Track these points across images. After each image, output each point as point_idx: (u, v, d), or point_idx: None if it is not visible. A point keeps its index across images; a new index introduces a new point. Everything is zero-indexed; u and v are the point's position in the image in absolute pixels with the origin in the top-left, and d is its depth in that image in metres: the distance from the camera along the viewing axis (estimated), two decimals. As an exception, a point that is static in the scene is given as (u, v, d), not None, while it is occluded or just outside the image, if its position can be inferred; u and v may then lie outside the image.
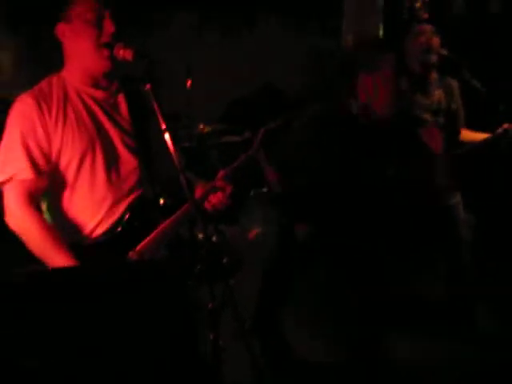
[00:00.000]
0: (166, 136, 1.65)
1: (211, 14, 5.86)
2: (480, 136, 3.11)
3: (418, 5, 5.22)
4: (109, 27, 1.82)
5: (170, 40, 5.53)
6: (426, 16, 5.17)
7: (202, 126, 4.02)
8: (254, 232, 3.81)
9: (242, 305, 2.99)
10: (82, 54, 1.85)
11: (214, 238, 3.17)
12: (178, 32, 5.68)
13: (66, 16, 1.85)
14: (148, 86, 1.69)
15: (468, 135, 3.14)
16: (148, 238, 1.85)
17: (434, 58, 2.73)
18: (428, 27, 2.76)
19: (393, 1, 5.27)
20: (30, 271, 1.52)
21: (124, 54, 1.78)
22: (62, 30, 1.87)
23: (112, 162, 1.89)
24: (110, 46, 1.82)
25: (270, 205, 3.79)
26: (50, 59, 2.02)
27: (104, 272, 1.28)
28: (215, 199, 1.94)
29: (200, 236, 2.81)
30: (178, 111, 4.56)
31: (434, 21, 4.84)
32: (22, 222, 1.77)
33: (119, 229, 1.86)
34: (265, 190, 3.92)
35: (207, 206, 1.96)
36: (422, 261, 3.02)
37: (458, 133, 3.03)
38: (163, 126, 1.65)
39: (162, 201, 2.10)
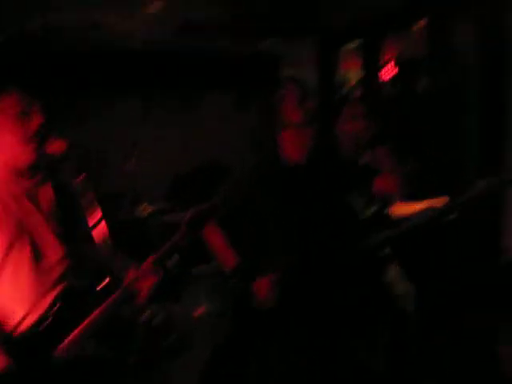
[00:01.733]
0: (101, 227, 1.65)
1: (155, 93, 5.99)
2: (412, 208, 3.13)
3: (352, 84, 5.50)
4: (36, 119, 1.82)
5: (116, 120, 5.59)
6: (359, 93, 5.44)
7: (144, 207, 4.03)
8: (200, 310, 3.77)
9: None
10: (5, 148, 1.84)
11: (157, 319, 3.12)
12: (124, 112, 5.76)
13: None
14: (83, 176, 1.69)
15: (403, 209, 3.18)
16: (77, 331, 1.80)
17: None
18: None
19: (328, 79, 5.54)
20: None
21: (57, 146, 1.79)
22: None
23: (39, 253, 1.86)
24: (38, 138, 1.81)
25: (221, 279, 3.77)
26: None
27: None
28: (145, 285, 1.91)
29: (142, 318, 2.76)
30: (123, 189, 4.57)
31: (366, 97, 5.12)
32: None
33: (47, 321, 1.81)
34: (204, 267, 3.91)
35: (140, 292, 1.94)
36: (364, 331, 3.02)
37: None
38: (99, 215, 1.66)
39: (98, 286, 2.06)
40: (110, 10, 4.31)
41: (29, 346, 1.77)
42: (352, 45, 5.42)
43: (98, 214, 1.71)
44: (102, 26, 4.67)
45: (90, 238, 1.98)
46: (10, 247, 1.80)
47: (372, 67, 5.10)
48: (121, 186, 4.61)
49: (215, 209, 2.11)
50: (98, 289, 1.96)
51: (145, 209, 4.03)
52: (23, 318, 1.80)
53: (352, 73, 5.49)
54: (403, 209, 3.13)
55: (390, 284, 3.10)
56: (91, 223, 1.93)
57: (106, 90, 5.66)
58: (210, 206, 2.13)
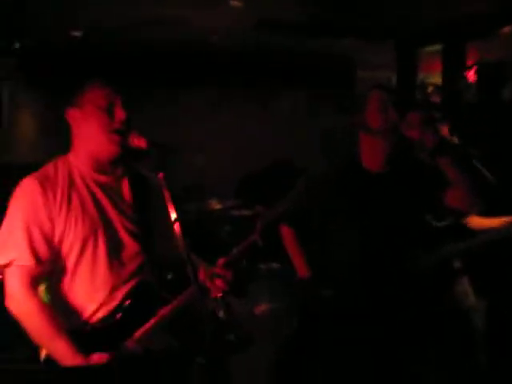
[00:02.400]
0: (176, 226, 1.66)
1: (228, 91, 6.03)
2: (489, 222, 3.04)
3: (430, 89, 5.35)
4: (120, 114, 1.84)
5: (187, 114, 5.67)
6: (437, 99, 5.28)
7: (213, 203, 4.06)
8: (262, 308, 3.77)
9: (250, 380, 2.94)
10: (91, 138, 1.87)
11: (220, 313, 3.15)
12: (196, 107, 5.84)
13: (77, 101, 1.88)
14: (161, 176, 1.70)
15: (478, 222, 3.09)
16: (147, 325, 1.82)
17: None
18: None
19: (405, 82, 5.41)
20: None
21: (138, 142, 1.81)
22: (73, 115, 1.88)
23: (113, 248, 1.86)
24: (121, 132, 1.84)
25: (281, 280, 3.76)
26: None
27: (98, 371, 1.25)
28: (214, 286, 1.91)
29: (206, 311, 2.79)
30: (188, 185, 4.62)
31: (445, 107, 4.96)
32: (23, 308, 1.74)
33: (119, 315, 1.84)
34: (275, 265, 3.91)
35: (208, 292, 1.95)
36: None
37: None
38: (174, 216, 1.66)
39: (169, 276, 2.08)
40: (192, 5, 4.36)
41: (100, 339, 1.80)
42: (433, 48, 5.27)
43: (174, 212, 1.71)
44: (184, 21, 4.73)
45: (165, 234, 2.01)
46: (86, 240, 1.82)
47: (453, 72, 4.94)
48: (189, 179, 4.68)
49: (288, 214, 2.10)
50: (170, 285, 1.99)
51: (214, 204, 4.06)
52: (96, 311, 1.83)
53: (431, 77, 5.35)
54: (479, 222, 3.03)
55: (459, 297, 3.01)
56: (166, 220, 1.96)
57: (181, 84, 5.76)
58: (283, 212, 2.12)
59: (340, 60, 5.97)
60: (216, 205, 4.03)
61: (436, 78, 5.37)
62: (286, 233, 2.54)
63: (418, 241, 2.52)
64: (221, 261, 1.93)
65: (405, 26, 5.05)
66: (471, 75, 4.83)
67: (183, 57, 5.78)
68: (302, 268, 2.53)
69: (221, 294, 1.94)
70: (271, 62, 5.99)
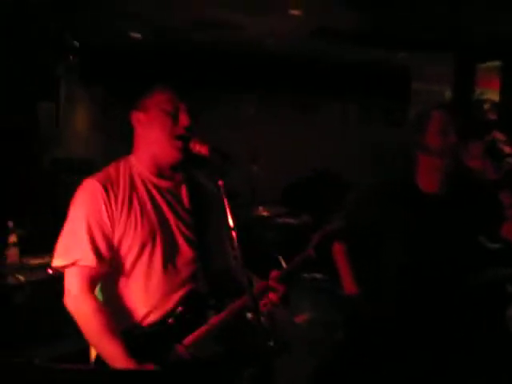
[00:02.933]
0: (234, 234, 1.65)
1: (280, 97, 6.02)
2: None
3: (487, 106, 5.22)
4: (184, 120, 1.85)
5: (236, 120, 5.69)
6: (494, 117, 5.16)
7: (261, 209, 4.07)
8: (302, 317, 3.74)
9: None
10: (154, 142, 1.88)
11: (262, 319, 3.14)
12: (245, 113, 5.85)
13: (143, 104, 1.89)
14: (221, 183, 1.71)
15: None
16: (197, 332, 1.82)
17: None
18: None
19: (461, 97, 5.30)
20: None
21: (200, 149, 1.81)
22: (138, 118, 1.90)
23: (170, 253, 1.87)
24: (184, 138, 1.84)
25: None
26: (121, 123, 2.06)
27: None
28: (267, 299, 1.90)
29: (250, 319, 2.79)
30: (236, 189, 4.62)
31: (502, 123, 4.84)
32: (81, 307, 1.77)
33: (170, 320, 1.84)
34: (318, 275, 3.88)
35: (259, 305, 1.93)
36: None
37: None
38: (232, 224, 1.65)
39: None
40: (250, 10, 4.38)
41: (150, 343, 1.81)
42: (492, 64, 5.15)
43: (230, 222, 1.71)
44: (241, 26, 4.75)
45: (219, 244, 2.00)
46: (144, 244, 1.84)
47: (511, 89, 4.81)
48: (238, 186, 4.69)
49: (342, 230, 2.08)
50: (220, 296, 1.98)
51: (262, 210, 4.06)
52: (147, 315, 1.84)
53: (489, 93, 5.22)
54: None
55: (510, 321, 2.92)
56: (222, 229, 1.95)
57: (234, 89, 5.78)
58: (338, 229, 2.10)
59: (395, 71, 5.90)
60: (263, 212, 4.03)
61: (493, 95, 5.25)
62: (338, 249, 2.53)
63: (470, 264, 2.47)
64: (274, 273, 1.92)
65: (465, 39, 4.95)
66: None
67: (237, 60, 5.80)
68: (351, 284, 2.51)
69: (271, 307, 1.92)
70: (326, 70, 5.96)
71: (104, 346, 1.75)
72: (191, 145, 1.83)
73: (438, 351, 2.35)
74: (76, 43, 5.30)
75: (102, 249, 1.80)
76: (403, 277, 2.38)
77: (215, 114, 5.63)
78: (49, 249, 1.91)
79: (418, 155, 2.36)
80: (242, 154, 4.70)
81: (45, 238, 1.97)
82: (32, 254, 3.25)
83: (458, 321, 2.45)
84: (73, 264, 1.79)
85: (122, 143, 2.13)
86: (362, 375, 2.46)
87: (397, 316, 2.36)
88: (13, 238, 3.15)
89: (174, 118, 1.87)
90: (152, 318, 1.84)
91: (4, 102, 4.34)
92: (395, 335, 2.36)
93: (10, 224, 3.16)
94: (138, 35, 5.30)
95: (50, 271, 2.99)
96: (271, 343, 3.05)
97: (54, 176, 4.71)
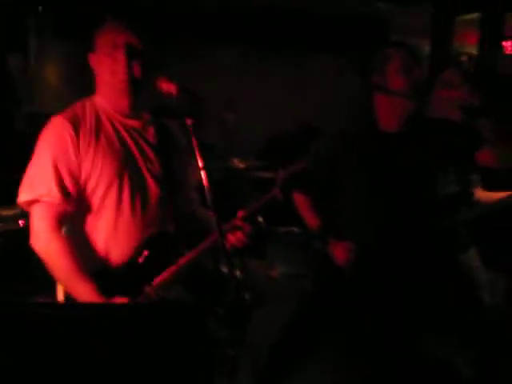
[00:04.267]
0: (202, 174, 1.64)
1: (258, 48, 5.94)
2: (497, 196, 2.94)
3: (464, 59, 5.20)
4: (121, 63, 1.84)
5: (214, 71, 5.61)
6: (472, 71, 5.14)
7: (237, 161, 4.04)
8: (277, 271, 3.77)
9: (259, 341, 2.95)
10: (105, 84, 1.89)
11: (238, 273, 3.15)
12: (223, 63, 5.77)
13: (93, 42, 1.90)
14: (189, 122, 1.68)
15: (486, 195, 3.00)
16: (166, 273, 1.82)
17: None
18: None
19: (440, 51, 5.28)
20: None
21: (167, 87, 1.78)
22: (91, 60, 1.91)
23: (138, 191, 1.87)
24: (130, 82, 1.85)
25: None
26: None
27: (121, 310, 1.25)
28: (234, 238, 1.90)
29: (224, 270, 2.80)
30: (212, 142, 4.59)
31: (480, 77, 4.83)
32: (50, 246, 1.76)
33: (139, 260, 1.84)
34: (294, 229, 3.89)
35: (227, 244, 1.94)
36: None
37: None
38: (200, 164, 1.64)
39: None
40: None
41: (119, 282, 1.81)
42: (470, 17, 5.11)
43: (200, 163, 1.69)
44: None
45: (188, 185, 1.99)
46: (112, 182, 1.84)
47: (490, 43, 4.79)
48: (213, 135, 4.66)
49: (307, 171, 2.08)
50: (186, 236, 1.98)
51: (238, 163, 4.03)
52: (117, 255, 1.84)
53: (468, 47, 5.19)
54: (487, 195, 2.95)
55: (467, 271, 2.95)
56: (192, 171, 1.93)
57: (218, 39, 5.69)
58: (303, 168, 2.10)
59: (374, 23, 5.83)
60: (240, 164, 4.01)
61: (471, 49, 5.22)
62: (298, 197, 2.51)
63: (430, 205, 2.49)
64: (240, 213, 1.92)
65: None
66: (508, 46, 4.69)
67: (219, 14, 5.70)
68: (314, 219, 2.50)
69: (241, 245, 1.92)
70: (304, 23, 5.86)
71: (75, 285, 1.75)
72: (159, 83, 1.80)
73: (408, 296, 2.38)
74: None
75: (67, 185, 1.79)
76: (373, 218, 2.39)
77: (195, 66, 5.56)
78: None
79: (378, 96, 2.35)
80: (219, 104, 4.69)
81: (16, 190, 1.93)
82: (3, 205, 3.21)
83: (428, 258, 2.48)
84: (37, 200, 1.78)
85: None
86: (334, 325, 2.48)
87: (369, 256, 2.37)
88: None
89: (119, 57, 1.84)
90: (120, 258, 1.84)
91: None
92: (367, 280, 2.38)
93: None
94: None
95: (21, 223, 2.97)
96: (246, 295, 3.08)
97: (27, 130, 4.63)
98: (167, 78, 1.80)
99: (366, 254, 2.37)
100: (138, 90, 1.87)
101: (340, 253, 2.38)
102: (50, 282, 1.92)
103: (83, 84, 2.04)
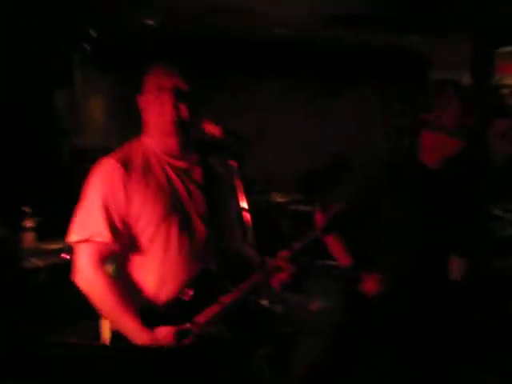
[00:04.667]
0: (246, 214, 1.66)
1: (295, 83, 5.98)
2: None
3: (506, 91, 5.15)
4: (168, 106, 1.86)
5: (258, 105, 5.65)
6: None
7: (276, 195, 4.06)
8: (316, 304, 3.74)
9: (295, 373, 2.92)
10: (153, 127, 1.92)
11: (278, 308, 3.15)
12: (263, 97, 5.82)
13: (142, 86, 1.92)
14: (233, 164, 1.70)
15: None
16: (208, 311, 1.83)
17: None
18: None
19: (480, 83, 5.22)
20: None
21: (212, 130, 1.82)
22: (139, 101, 1.94)
23: (185, 232, 1.90)
24: (177, 124, 1.87)
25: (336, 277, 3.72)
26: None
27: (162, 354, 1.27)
28: (277, 279, 1.91)
29: (265, 305, 2.79)
30: (250, 176, 4.63)
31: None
32: (94, 282, 1.79)
33: (185, 298, 1.86)
34: (332, 262, 3.87)
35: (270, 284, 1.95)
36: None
37: None
38: (245, 205, 1.66)
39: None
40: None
41: (164, 320, 1.82)
42: (510, 48, 5.06)
43: (244, 201, 1.71)
44: (255, 12, 4.71)
45: (232, 224, 2.01)
46: (160, 222, 1.86)
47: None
48: (253, 172, 4.69)
49: (348, 211, 2.09)
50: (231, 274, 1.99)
51: (277, 197, 4.05)
52: (162, 294, 1.86)
53: (507, 78, 5.14)
54: None
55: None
56: (234, 211, 1.96)
57: (248, 76, 5.75)
58: (343, 210, 2.11)
59: (414, 58, 5.81)
60: (279, 198, 4.02)
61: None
62: (330, 237, 2.55)
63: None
64: (282, 253, 1.93)
65: (483, 23, 4.87)
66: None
67: (255, 47, 5.76)
68: (346, 258, 2.54)
69: (279, 288, 1.93)
70: (344, 57, 5.89)
71: (121, 320, 1.78)
72: (203, 126, 1.84)
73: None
74: (92, 32, 5.31)
75: (117, 226, 1.82)
76: (412, 245, 2.39)
77: (238, 100, 5.62)
78: (65, 234, 1.92)
79: (427, 133, 2.37)
80: (255, 139, 4.72)
81: (62, 224, 1.98)
82: (49, 239, 3.30)
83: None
84: (86, 240, 1.81)
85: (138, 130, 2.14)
86: (362, 359, 2.46)
87: (400, 294, 2.37)
88: (29, 223, 3.21)
89: (164, 93, 1.87)
90: (166, 297, 1.86)
91: (21, 92, 4.36)
92: (397, 316, 2.37)
93: (27, 209, 3.23)
94: (150, 22, 5.29)
95: (66, 256, 3.04)
96: (286, 329, 3.07)
97: (73, 164, 4.75)
98: (211, 120, 1.84)
99: (399, 282, 2.38)
100: (186, 131, 1.90)
101: (371, 285, 2.39)
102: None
103: (129, 119, 2.09)
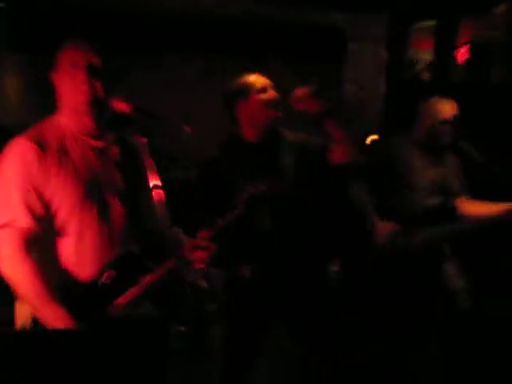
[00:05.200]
0: (155, 193, 1.64)
1: (216, 58, 5.95)
2: (484, 207, 2.94)
3: (420, 66, 5.31)
4: (83, 83, 1.81)
5: (173, 82, 5.59)
6: (427, 77, 5.25)
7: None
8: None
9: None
10: (67, 105, 1.86)
11: (203, 284, 3.15)
12: (182, 75, 5.76)
13: (55, 62, 1.86)
14: (145, 140, 1.68)
15: (472, 207, 2.99)
16: (130, 292, 1.82)
17: None
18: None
19: (396, 58, 5.36)
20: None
21: (122, 107, 1.78)
22: (52, 78, 1.87)
23: (103, 211, 1.86)
24: (91, 103, 1.82)
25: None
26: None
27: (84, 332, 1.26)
28: (198, 257, 1.91)
29: (189, 281, 2.79)
30: (175, 153, 4.58)
31: (435, 86, 4.93)
32: (19, 269, 1.73)
33: (103, 280, 1.83)
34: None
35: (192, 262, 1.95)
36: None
37: None
38: (153, 183, 1.64)
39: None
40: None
41: (85, 302, 1.79)
42: (425, 24, 5.21)
43: (155, 179, 1.69)
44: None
45: (151, 204, 1.99)
46: (78, 202, 1.82)
47: (445, 50, 4.89)
48: (172, 149, 4.65)
49: (274, 187, 2.11)
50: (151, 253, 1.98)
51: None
52: (82, 274, 1.83)
53: (423, 53, 5.30)
54: (471, 207, 2.96)
55: (446, 279, 3.01)
56: (147, 188, 1.94)
57: (169, 50, 5.67)
58: (266, 185, 2.13)
59: (331, 33, 5.89)
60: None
61: (427, 55, 5.33)
62: None
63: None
64: (203, 233, 1.94)
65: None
66: (461, 54, 4.80)
67: (169, 24, 5.69)
68: None
69: (203, 266, 1.94)
70: (260, 32, 5.90)
71: (45, 308, 1.73)
72: (113, 104, 1.80)
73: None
74: (2, 4, 5.06)
75: (36, 208, 1.77)
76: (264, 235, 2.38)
77: (153, 77, 5.54)
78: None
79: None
80: (177, 116, 4.67)
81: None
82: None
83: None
84: (6, 225, 1.75)
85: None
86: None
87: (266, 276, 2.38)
88: None
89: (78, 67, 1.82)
90: (85, 279, 1.83)
91: None
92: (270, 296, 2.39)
93: None
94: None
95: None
96: (213, 307, 3.09)
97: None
98: (121, 97, 1.80)
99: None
100: (102, 109, 1.85)
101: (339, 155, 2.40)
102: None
103: (42, 99, 2.01)
